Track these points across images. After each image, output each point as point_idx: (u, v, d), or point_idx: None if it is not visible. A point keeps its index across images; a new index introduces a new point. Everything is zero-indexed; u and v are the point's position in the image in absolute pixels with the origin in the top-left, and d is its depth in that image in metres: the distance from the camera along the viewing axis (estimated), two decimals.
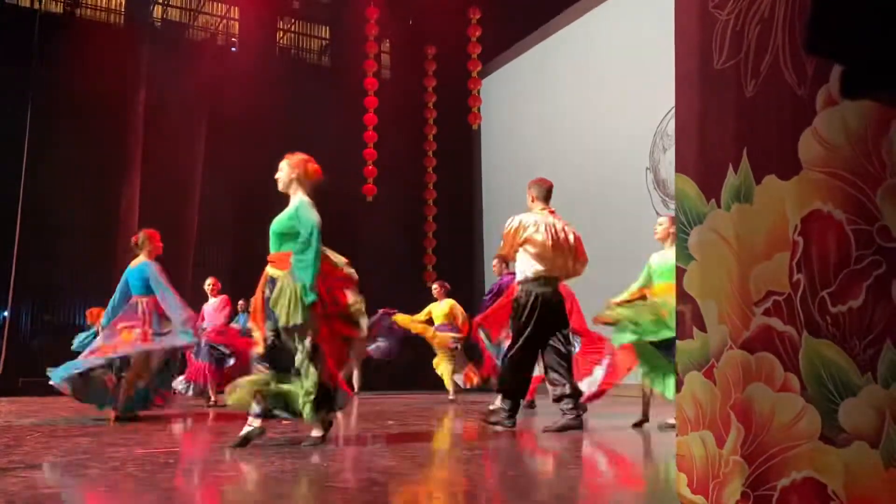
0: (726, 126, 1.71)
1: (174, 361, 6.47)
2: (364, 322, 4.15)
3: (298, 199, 4.08)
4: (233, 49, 14.29)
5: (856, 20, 1.22)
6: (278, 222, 4.07)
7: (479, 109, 13.57)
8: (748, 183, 1.64)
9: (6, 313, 11.64)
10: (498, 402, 5.52)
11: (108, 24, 13.19)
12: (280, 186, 4.17)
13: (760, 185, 1.62)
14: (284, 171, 4.15)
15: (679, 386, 1.74)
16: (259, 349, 3.99)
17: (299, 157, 4.20)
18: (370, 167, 12.95)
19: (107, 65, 11.65)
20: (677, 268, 1.78)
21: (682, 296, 1.75)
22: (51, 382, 5.75)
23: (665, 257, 5.28)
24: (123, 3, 13.35)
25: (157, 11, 13.75)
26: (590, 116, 11.78)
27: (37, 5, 12.57)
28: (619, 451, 4.27)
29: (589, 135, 11.74)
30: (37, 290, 12.08)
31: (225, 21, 14.40)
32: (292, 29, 15.08)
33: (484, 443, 4.26)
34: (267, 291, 3.97)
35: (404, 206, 14.02)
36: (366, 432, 4.77)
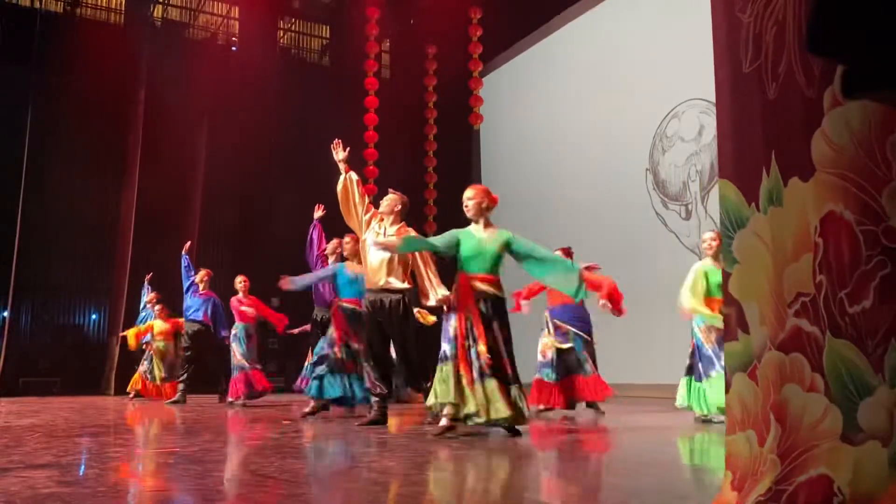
0: (756, 129, 1.72)
1: None
2: None
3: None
4: (233, 49, 14.28)
5: (856, 19, 1.22)
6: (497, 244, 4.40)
7: (479, 109, 13.56)
8: (778, 186, 1.66)
9: (6, 313, 11.62)
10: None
11: (109, 24, 13.19)
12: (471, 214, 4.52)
13: (787, 187, 1.64)
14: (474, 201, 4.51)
15: (728, 387, 1.77)
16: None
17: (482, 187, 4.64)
18: (371, 167, 12.94)
19: (107, 64, 11.64)
20: (723, 272, 1.81)
21: (727, 299, 1.79)
22: None
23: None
24: (123, 2, 13.35)
25: (157, 11, 13.74)
26: (590, 117, 11.78)
27: (37, 4, 12.56)
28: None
29: (589, 135, 11.74)
30: (37, 290, 12.08)
31: (225, 21, 14.40)
32: (292, 29, 15.08)
33: (483, 442, 4.24)
34: (483, 307, 4.31)
35: None
36: (365, 432, 4.76)
